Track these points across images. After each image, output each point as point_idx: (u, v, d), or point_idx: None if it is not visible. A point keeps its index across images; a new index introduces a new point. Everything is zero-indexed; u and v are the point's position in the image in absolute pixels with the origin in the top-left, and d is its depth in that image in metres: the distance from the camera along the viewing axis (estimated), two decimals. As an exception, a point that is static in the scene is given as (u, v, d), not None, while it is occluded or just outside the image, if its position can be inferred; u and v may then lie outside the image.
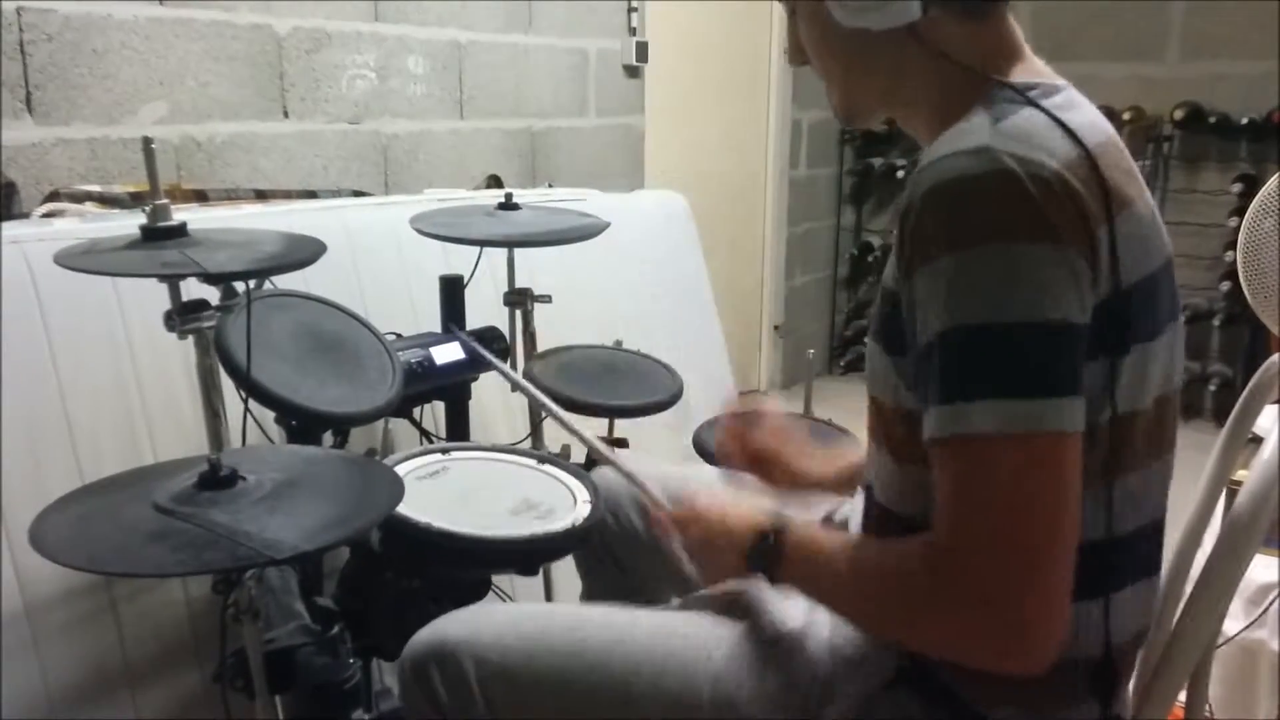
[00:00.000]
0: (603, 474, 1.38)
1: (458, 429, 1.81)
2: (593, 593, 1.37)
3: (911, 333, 0.82)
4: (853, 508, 1.18)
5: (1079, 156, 0.78)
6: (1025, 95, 0.83)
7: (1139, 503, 0.87)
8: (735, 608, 1.03)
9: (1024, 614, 0.76)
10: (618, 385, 1.74)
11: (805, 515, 0.98)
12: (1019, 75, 0.88)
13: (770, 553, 0.93)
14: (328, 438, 1.52)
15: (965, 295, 0.76)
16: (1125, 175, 0.83)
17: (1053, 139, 0.78)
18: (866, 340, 0.94)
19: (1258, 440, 1.05)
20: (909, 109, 0.93)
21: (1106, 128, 0.85)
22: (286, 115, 2.58)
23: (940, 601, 0.79)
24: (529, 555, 1.28)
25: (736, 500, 1.04)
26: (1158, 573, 0.94)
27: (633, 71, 3.53)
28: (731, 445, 1.23)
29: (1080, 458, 0.77)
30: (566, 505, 1.32)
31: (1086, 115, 0.83)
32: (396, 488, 1.08)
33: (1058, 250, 0.75)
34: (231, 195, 2.24)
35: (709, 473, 1.39)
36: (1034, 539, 0.76)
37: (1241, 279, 1.74)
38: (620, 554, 1.30)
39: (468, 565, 1.33)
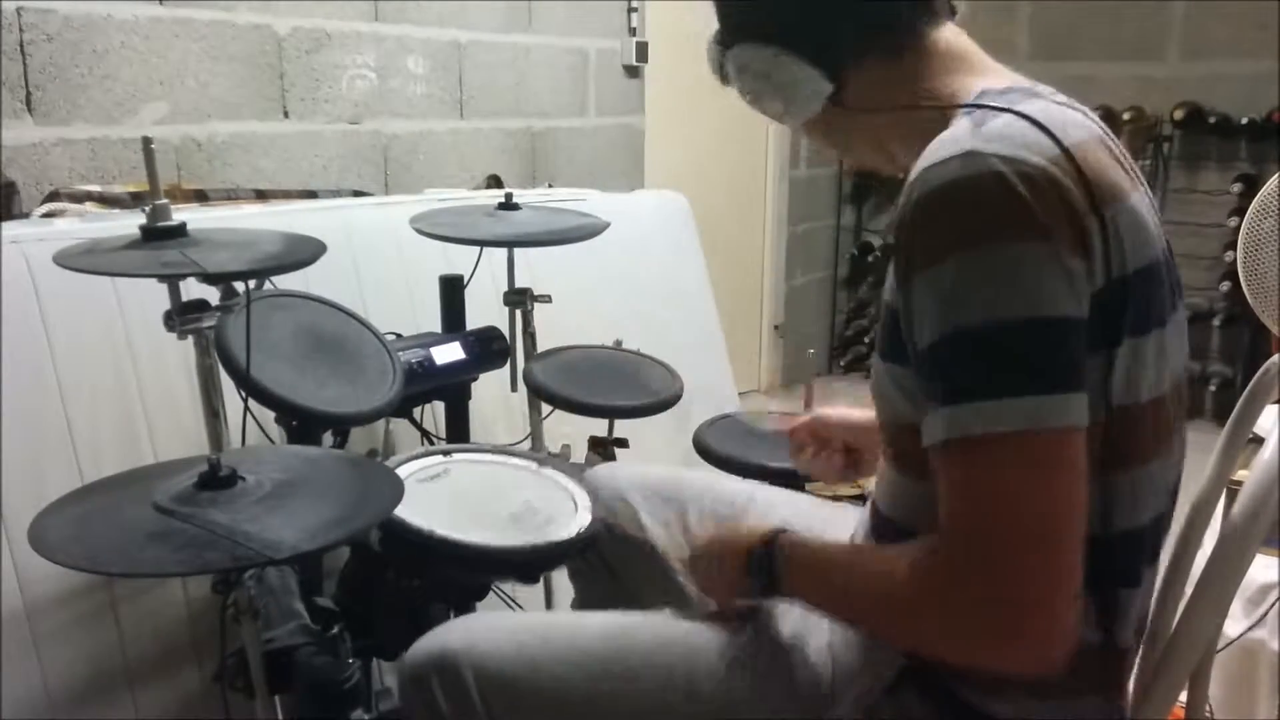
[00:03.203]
0: (597, 476, 1.38)
1: (458, 429, 1.81)
2: (586, 600, 1.36)
3: (910, 342, 0.82)
4: (849, 513, 1.18)
5: (1059, 154, 0.78)
6: (996, 105, 0.84)
7: (1138, 499, 0.86)
8: (735, 617, 1.03)
9: (1036, 613, 0.76)
10: (618, 385, 1.74)
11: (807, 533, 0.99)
12: (986, 84, 0.89)
13: (769, 565, 0.94)
14: (328, 438, 1.52)
15: (961, 298, 0.76)
16: (1114, 169, 0.83)
17: (1034, 138, 0.79)
18: (872, 358, 0.94)
19: (1258, 440, 1.05)
20: (909, 144, 0.91)
21: (1088, 124, 0.85)
22: (286, 115, 2.58)
23: (950, 605, 0.78)
24: (530, 564, 1.28)
25: (734, 525, 1.06)
26: (1154, 564, 0.93)
27: (633, 71, 3.53)
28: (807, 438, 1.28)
29: (1084, 453, 0.77)
30: (567, 511, 1.32)
31: (1064, 115, 0.84)
32: (396, 488, 1.08)
33: (1050, 246, 0.75)
34: (231, 195, 2.24)
35: (702, 478, 1.39)
36: (1043, 537, 0.76)
37: (1241, 279, 1.74)
38: (614, 561, 1.30)
39: (468, 573, 1.33)
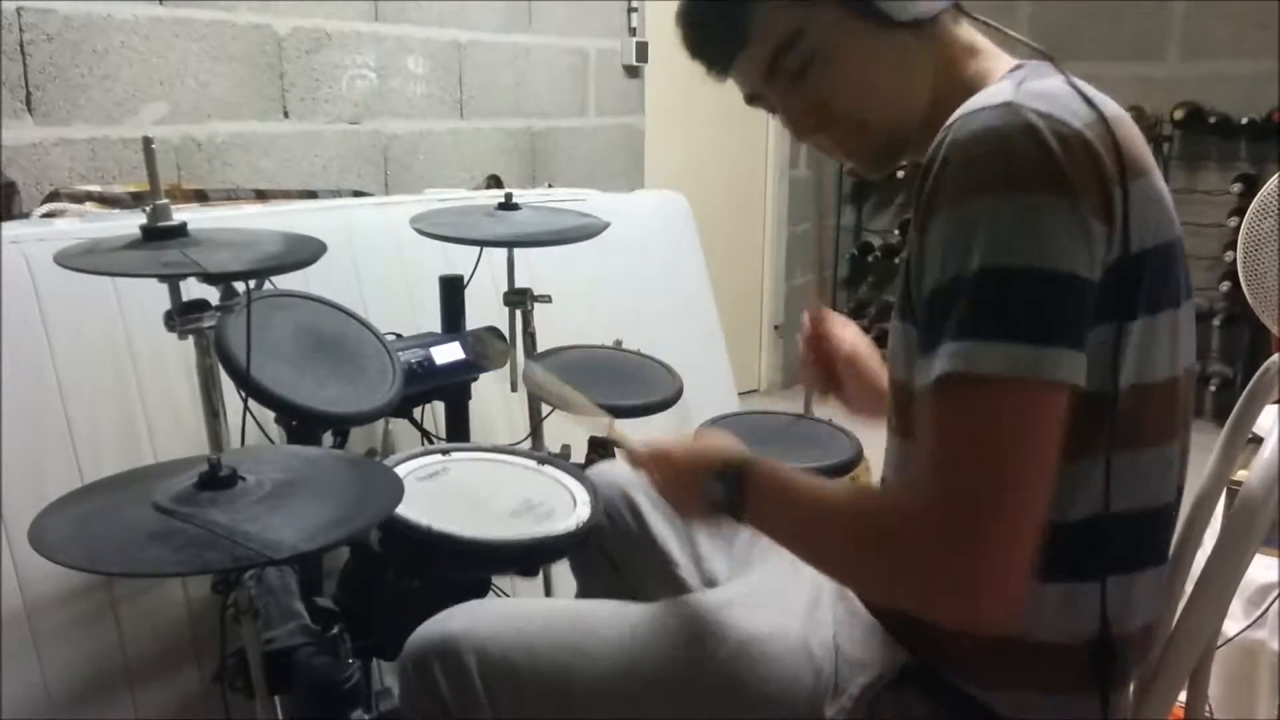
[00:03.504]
0: (597, 473, 1.38)
1: (458, 429, 1.81)
2: (587, 593, 1.37)
3: (917, 286, 0.82)
4: None
5: (1097, 120, 0.79)
6: (1047, 64, 0.86)
7: (1140, 484, 0.86)
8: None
9: (996, 560, 0.75)
10: (618, 385, 1.74)
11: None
12: (1005, 65, 0.91)
13: (734, 488, 0.93)
14: (328, 438, 1.52)
15: (976, 241, 0.76)
16: (1142, 144, 0.84)
17: (1074, 102, 0.80)
18: (891, 324, 0.93)
19: (1258, 440, 1.05)
20: (944, 115, 0.88)
21: (1115, 105, 0.86)
22: (286, 115, 2.58)
23: (913, 546, 0.78)
24: (529, 557, 1.28)
25: (707, 442, 1.02)
26: (1163, 564, 0.93)
27: (633, 71, 3.53)
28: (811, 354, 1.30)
29: (1065, 413, 0.77)
30: (566, 506, 1.32)
31: (1096, 92, 0.85)
32: (396, 488, 1.08)
33: (1072, 204, 0.76)
34: (231, 195, 2.24)
35: None
36: (1013, 487, 0.76)
37: (1241, 279, 1.74)
38: (616, 555, 1.30)
39: (468, 567, 1.33)
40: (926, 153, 0.83)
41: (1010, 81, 0.83)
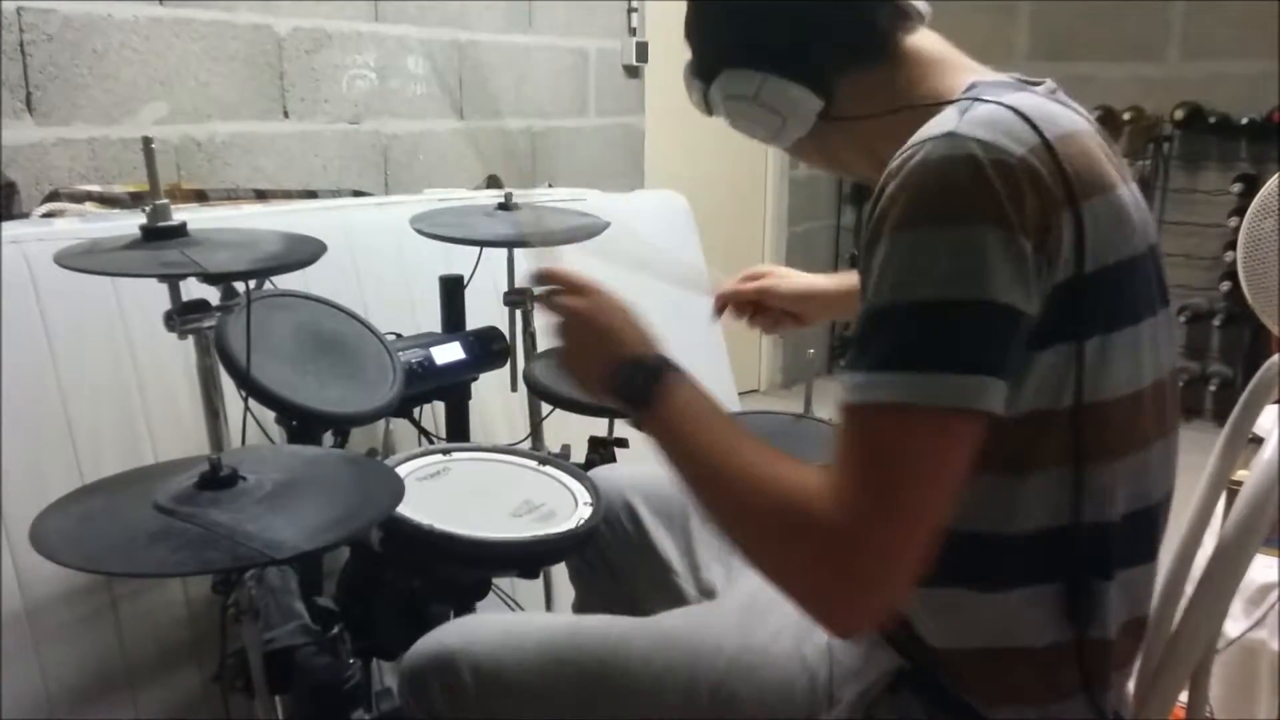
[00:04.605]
0: (597, 477, 1.38)
1: (458, 429, 1.81)
2: (585, 602, 1.36)
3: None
4: None
5: (1039, 145, 0.79)
6: (984, 97, 0.84)
7: (1116, 492, 0.86)
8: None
9: (865, 577, 0.76)
10: (618, 385, 1.74)
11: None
12: (977, 78, 0.90)
13: (645, 389, 0.88)
14: (328, 438, 1.52)
15: (906, 269, 0.77)
16: (1099, 163, 0.83)
17: (1016, 127, 0.79)
18: None
19: (1258, 440, 1.05)
20: (909, 127, 0.92)
21: (1073, 119, 0.85)
22: (286, 115, 2.58)
23: (801, 542, 0.78)
24: (530, 558, 1.28)
25: (637, 323, 0.94)
26: (1149, 562, 0.93)
27: (633, 71, 3.53)
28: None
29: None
30: (567, 507, 1.32)
31: (1052, 108, 0.84)
32: (396, 488, 1.08)
33: (1005, 234, 0.75)
34: (231, 195, 2.24)
35: None
36: (916, 511, 0.76)
37: (1241, 279, 1.74)
38: (614, 562, 1.30)
39: (469, 567, 1.33)
40: None
41: (956, 109, 0.82)
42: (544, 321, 0.95)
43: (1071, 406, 0.81)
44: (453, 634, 1.07)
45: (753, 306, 1.34)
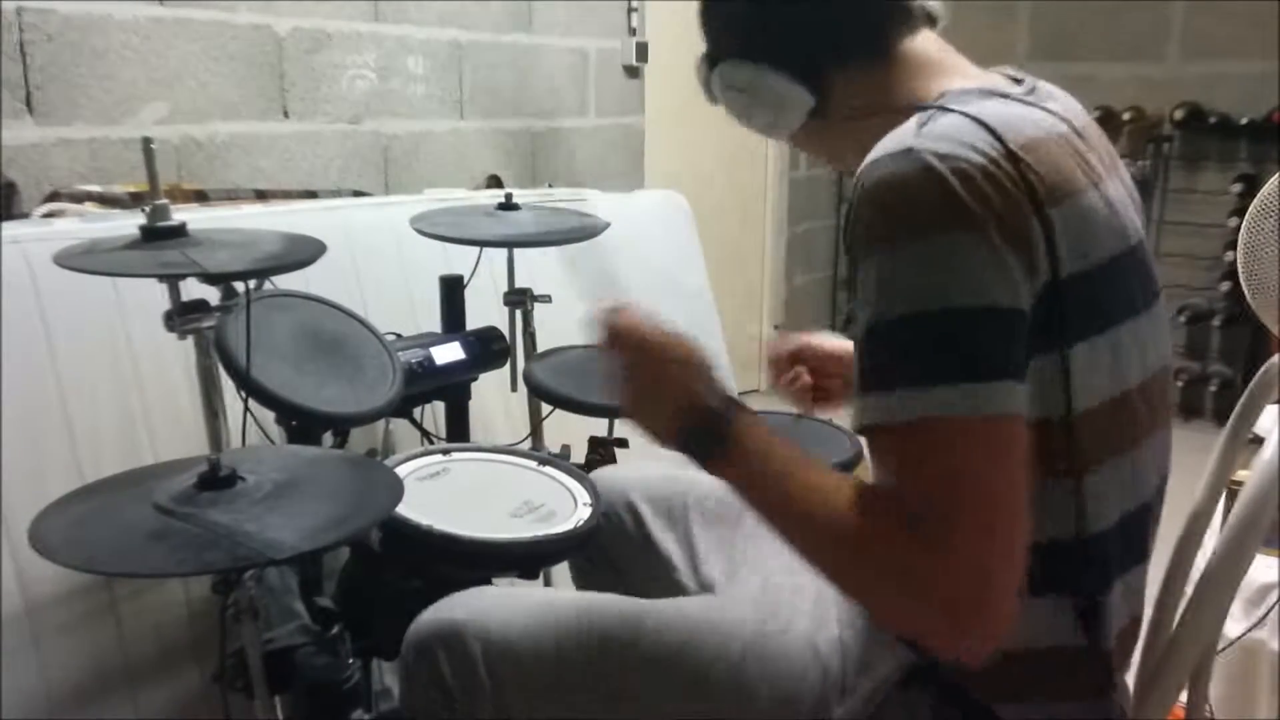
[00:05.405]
0: (599, 479, 1.38)
1: (458, 429, 1.81)
2: (586, 594, 1.37)
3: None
4: None
5: (1001, 153, 0.79)
6: (946, 105, 0.84)
7: (1112, 497, 0.86)
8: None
9: (961, 600, 0.74)
10: (618, 385, 1.74)
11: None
12: (949, 86, 0.89)
13: (712, 437, 0.86)
14: (328, 438, 1.52)
15: (892, 288, 0.77)
16: (1065, 169, 0.82)
17: (976, 136, 0.79)
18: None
19: (1258, 440, 1.05)
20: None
21: (1040, 123, 0.84)
22: (286, 115, 2.58)
23: (886, 572, 0.77)
24: (530, 558, 1.28)
25: (701, 365, 0.90)
26: (1143, 561, 0.93)
27: (633, 71, 3.53)
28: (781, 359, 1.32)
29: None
30: (567, 507, 1.32)
31: (1019, 113, 0.84)
32: (396, 488, 1.08)
33: (981, 237, 0.75)
34: (231, 195, 2.24)
35: (704, 478, 1.38)
36: (973, 524, 0.74)
37: (1241, 279, 1.74)
38: (615, 557, 1.30)
39: (468, 568, 1.33)
40: None
41: (914, 123, 0.82)
42: (604, 371, 0.92)
43: (1065, 415, 0.81)
44: (461, 605, 1.06)
45: (806, 375, 1.31)
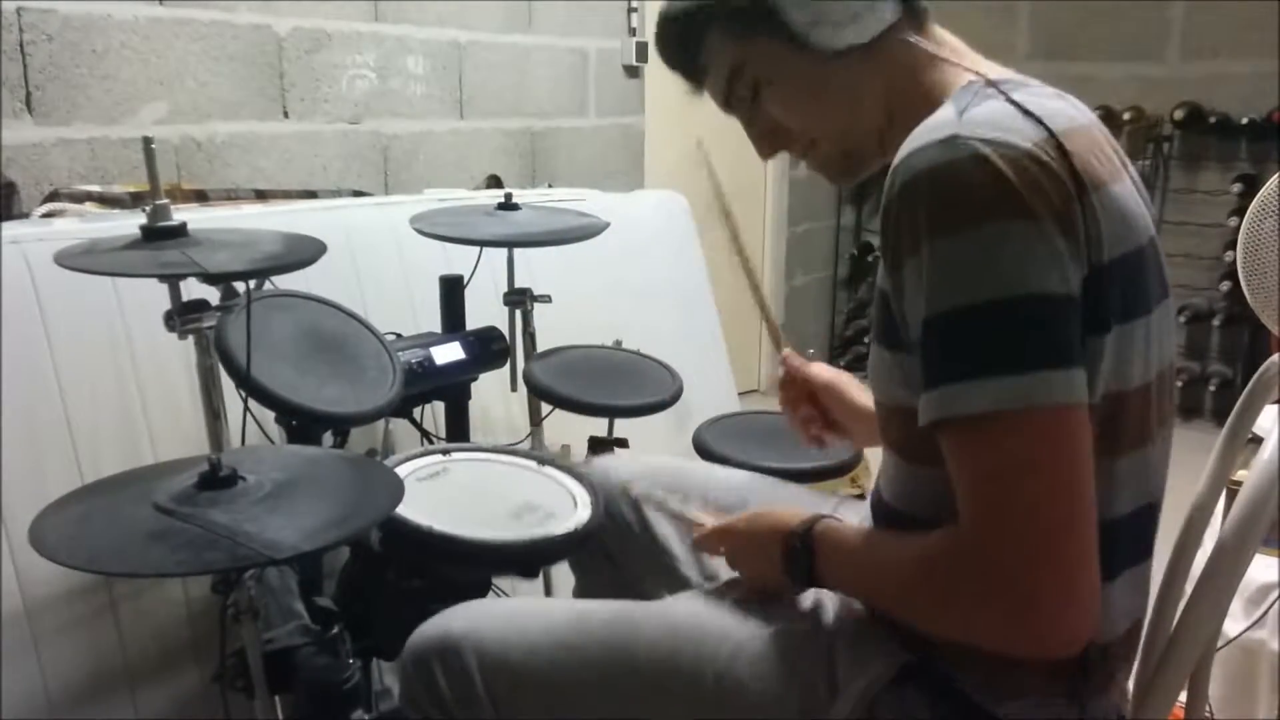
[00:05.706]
0: (598, 466, 1.38)
1: (458, 429, 1.81)
2: (587, 589, 1.37)
3: (905, 326, 0.83)
4: (849, 508, 1.18)
5: (1045, 139, 0.79)
6: (992, 86, 0.85)
7: (1129, 486, 0.86)
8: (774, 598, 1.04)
9: (1047, 595, 0.75)
10: (618, 385, 1.74)
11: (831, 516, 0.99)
12: (980, 72, 0.91)
13: (803, 555, 0.95)
14: (328, 438, 1.52)
15: (948, 280, 0.77)
16: (1098, 157, 0.83)
17: (1019, 123, 0.80)
18: (869, 344, 0.94)
19: (1258, 440, 1.05)
20: (901, 130, 0.91)
21: (1074, 114, 0.85)
22: (286, 115, 2.58)
23: (965, 589, 0.78)
24: (530, 558, 1.28)
25: (765, 509, 1.07)
26: (1148, 559, 0.93)
27: (633, 71, 3.53)
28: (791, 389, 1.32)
29: (1088, 430, 0.77)
30: (567, 508, 1.32)
31: (1052, 104, 0.84)
32: (396, 488, 1.08)
33: (1035, 225, 0.76)
34: (231, 195, 2.24)
35: (703, 467, 1.39)
36: (1050, 516, 0.75)
37: (1241, 279, 1.74)
38: (616, 551, 1.30)
39: (468, 568, 1.33)
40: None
41: (953, 109, 0.82)
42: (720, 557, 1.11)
43: (1098, 400, 0.81)
44: (457, 618, 1.06)
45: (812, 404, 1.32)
